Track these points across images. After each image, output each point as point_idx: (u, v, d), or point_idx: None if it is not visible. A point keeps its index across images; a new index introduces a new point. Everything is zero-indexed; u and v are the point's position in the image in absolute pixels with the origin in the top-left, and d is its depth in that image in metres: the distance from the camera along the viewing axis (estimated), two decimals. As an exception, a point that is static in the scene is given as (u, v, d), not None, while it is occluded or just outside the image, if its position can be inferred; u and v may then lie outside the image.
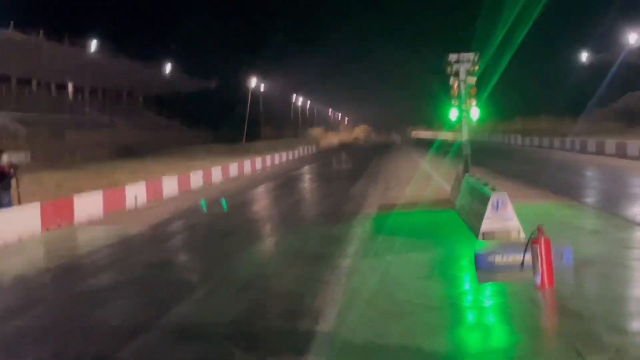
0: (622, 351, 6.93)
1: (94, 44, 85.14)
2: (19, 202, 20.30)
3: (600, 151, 47.57)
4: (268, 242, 16.66)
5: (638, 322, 8.12)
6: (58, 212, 20.85)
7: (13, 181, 20.33)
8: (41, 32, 75.30)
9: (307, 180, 39.13)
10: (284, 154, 64.79)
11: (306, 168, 51.44)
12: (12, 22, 70.28)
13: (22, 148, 54.86)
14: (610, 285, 9.91)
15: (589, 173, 32.82)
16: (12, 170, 20.40)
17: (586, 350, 6.99)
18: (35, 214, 19.72)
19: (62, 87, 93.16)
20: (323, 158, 68.33)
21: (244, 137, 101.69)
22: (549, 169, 35.25)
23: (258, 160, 52.79)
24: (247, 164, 47.84)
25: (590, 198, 22.50)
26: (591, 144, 51.05)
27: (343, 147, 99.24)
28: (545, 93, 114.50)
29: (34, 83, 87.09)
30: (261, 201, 28.19)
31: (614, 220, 16.36)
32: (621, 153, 42.52)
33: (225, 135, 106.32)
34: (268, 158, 57.11)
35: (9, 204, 19.54)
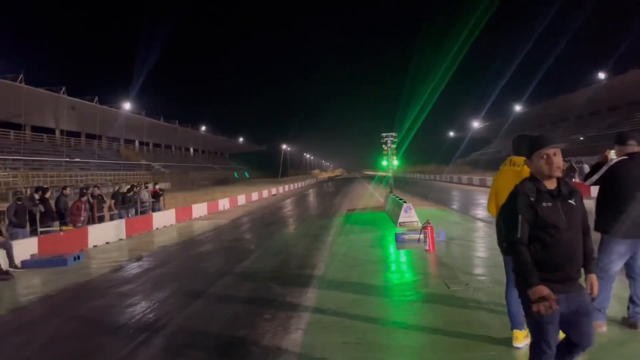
0: (468, 282, 6.87)
1: (203, 127, 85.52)
2: (165, 208, 20.30)
3: (459, 181, 47.71)
4: (291, 228, 16.55)
5: (477, 269, 8.02)
6: (184, 213, 20.78)
7: (161, 198, 20.34)
8: (177, 121, 75.69)
9: (311, 195, 39.13)
10: (300, 183, 64.64)
11: (311, 190, 51.32)
12: (143, 112, 70.43)
13: (167, 180, 54.89)
14: (464, 250, 9.84)
15: (454, 192, 32.71)
16: (161, 191, 20.44)
17: (450, 282, 6.95)
18: (172, 214, 19.67)
19: (187, 149, 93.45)
20: (320, 185, 68.22)
21: (280, 174, 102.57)
22: (433, 190, 35.22)
23: (286, 186, 52.77)
24: (281, 188, 47.83)
25: (454, 205, 22.38)
26: (455, 178, 51.22)
27: (330, 179, 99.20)
28: (431, 151, 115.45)
29: (173, 148, 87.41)
30: (288, 206, 28.07)
31: (466, 217, 16.31)
32: (470, 182, 42.66)
33: (270, 174, 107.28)
34: (292, 185, 57.06)
35: (159, 209, 19.52)
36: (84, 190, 15.23)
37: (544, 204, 2.84)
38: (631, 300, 4.66)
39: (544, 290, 2.69)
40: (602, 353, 4.15)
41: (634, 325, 4.59)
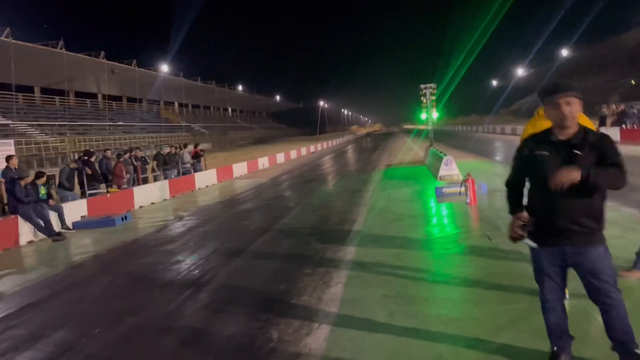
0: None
1: (240, 87, 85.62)
2: (206, 169, 20.67)
3: (502, 132, 46.37)
4: (329, 184, 16.60)
5: (502, 222, 7.83)
6: (225, 173, 21.13)
7: (202, 158, 20.69)
8: (214, 82, 75.94)
9: (349, 151, 38.98)
10: (338, 140, 64.37)
11: (349, 146, 51.11)
12: (199, 78, 70.78)
13: (207, 141, 55.70)
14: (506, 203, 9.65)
15: (496, 144, 31.89)
16: (202, 152, 20.78)
17: (493, 234, 6.84)
18: (213, 174, 20.02)
19: (225, 110, 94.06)
20: (358, 140, 67.81)
21: (318, 132, 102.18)
22: (475, 142, 34.42)
23: (325, 143, 52.71)
24: (319, 145, 47.84)
25: (497, 157, 21.91)
26: (498, 128, 49.79)
27: (368, 135, 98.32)
28: (473, 101, 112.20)
29: (212, 108, 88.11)
30: (326, 163, 28.12)
31: (508, 168, 15.90)
32: (514, 132, 41.43)
33: (308, 131, 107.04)
34: (330, 142, 56.92)
35: (201, 170, 19.89)
36: (122, 152, 15.64)
37: (537, 153, 2.78)
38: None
39: (516, 216, 2.84)
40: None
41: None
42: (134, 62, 53.38)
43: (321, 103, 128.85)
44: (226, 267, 6.70)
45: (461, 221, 8.32)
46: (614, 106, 26.39)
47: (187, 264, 7.08)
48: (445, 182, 12.69)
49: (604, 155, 2.66)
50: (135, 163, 15.78)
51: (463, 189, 9.83)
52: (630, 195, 8.34)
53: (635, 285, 4.38)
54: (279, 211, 11.32)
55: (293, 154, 35.36)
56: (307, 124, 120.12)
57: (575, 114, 2.70)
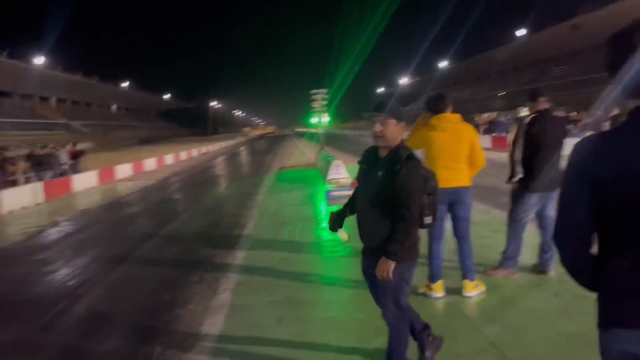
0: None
1: (126, 83, 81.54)
2: (85, 170, 19.37)
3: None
4: (221, 187, 16.34)
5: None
6: (107, 174, 19.92)
7: (82, 159, 19.39)
8: (97, 77, 71.25)
9: (242, 153, 38.65)
10: (230, 141, 63.68)
11: (242, 148, 50.65)
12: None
13: (88, 140, 52.19)
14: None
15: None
16: (81, 152, 19.50)
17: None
18: (94, 175, 18.81)
19: (109, 107, 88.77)
20: (250, 143, 67.47)
21: (209, 133, 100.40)
22: (364, 147, 35.62)
23: (217, 144, 51.79)
24: (210, 146, 46.87)
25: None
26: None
27: (261, 137, 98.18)
28: (363, 107, 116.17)
29: (94, 105, 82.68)
30: (219, 165, 27.63)
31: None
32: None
33: (199, 132, 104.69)
34: (222, 143, 56.05)
35: (80, 171, 18.60)
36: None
37: (360, 166, 3.13)
38: (541, 248, 4.98)
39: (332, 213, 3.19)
40: (515, 297, 4.46)
41: (544, 272, 4.92)
42: (5, 52, 48.54)
43: (213, 103, 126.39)
44: (106, 277, 6.30)
45: (349, 223, 8.55)
46: (485, 116, 28.88)
47: (61, 274, 6.55)
48: (334, 185, 13.02)
49: (398, 181, 2.74)
50: (3, 164, 14.33)
51: (351, 192, 10.14)
52: (498, 198, 9.14)
53: (502, 282, 4.79)
54: (166, 215, 10.89)
55: (183, 155, 34.28)
56: (198, 124, 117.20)
57: (388, 135, 2.83)
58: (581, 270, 1.54)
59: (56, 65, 59.05)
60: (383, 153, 2.90)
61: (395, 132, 2.83)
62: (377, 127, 2.81)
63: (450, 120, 4.31)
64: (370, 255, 2.95)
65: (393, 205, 2.75)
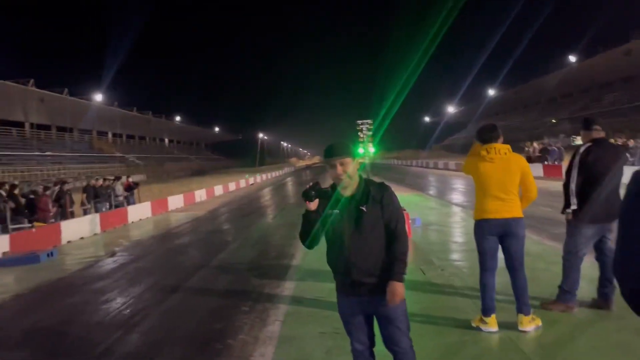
0: (444, 269, 6.97)
1: (178, 118, 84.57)
2: (140, 201, 20.06)
3: (435, 166, 48.19)
4: (269, 218, 16.54)
5: (453, 255, 8.15)
6: (159, 205, 20.57)
7: (136, 190, 20.10)
8: (150, 112, 74.43)
9: (289, 183, 39.10)
10: (277, 172, 64.57)
11: (288, 178, 51.28)
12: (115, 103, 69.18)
13: (142, 172, 54.23)
14: (440, 236, 9.95)
15: (430, 177, 33.07)
16: (135, 184, 20.23)
17: (426, 268, 7.03)
18: (148, 206, 19.45)
19: (162, 140, 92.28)
20: (297, 173, 68.21)
21: (257, 163, 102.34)
22: (409, 176, 35.53)
23: (264, 175, 52.64)
24: (258, 177, 47.69)
25: (430, 190, 22.65)
26: (431, 163, 51.75)
27: (308, 167, 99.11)
28: (407, 136, 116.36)
29: (147, 139, 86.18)
30: (265, 195, 28.05)
31: (441, 202, 16.50)
32: (446, 167, 43.10)
33: (247, 163, 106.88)
34: (269, 174, 56.90)
35: (134, 203, 19.29)
36: (49, 185, 14.93)
37: (328, 212, 2.89)
38: (600, 282, 4.78)
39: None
40: (574, 333, 4.28)
41: (604, 306, 4.71)
42: (66, 90, 51.53)
43: (260, 135, 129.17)
44: (160, 306, 6.47)
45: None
46: (535, 145, 28.17)
47: (117, 303, 6.78)
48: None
49: (385, 209, 2.83)
50: (62, 196, 15.07)
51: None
52: (553, 229, 8.86)
53: (560, 317, 4.62)
54: (216, 246, 11.11)
55: (231, 186, 35.01)
56: (246, 156, 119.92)
57: (351, 173, 2.85)
58: None
59: (112, 101, 62.09)
60: (348, 191, 2.87)
61: (355, 167, 2.88)
62: (339, 169, 2.83)
63: (499, 150, 4.26)
64: (368, 292, 2.84)
65: (388, 231, 2.83)
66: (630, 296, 1.45)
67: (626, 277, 1.46)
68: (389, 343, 2.96)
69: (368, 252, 2.81)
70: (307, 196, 2.79)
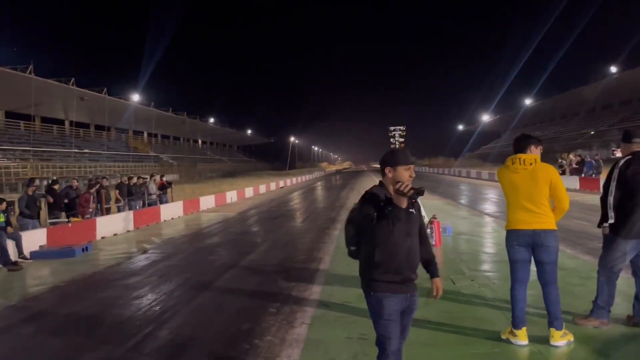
0: (474, 279, 6.88)
1: (211, 119, 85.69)
2: (172, 200, 20.43)
3: (468, 175, 47.53)
4: (298, 221, 16.61)
5: (483, 265, 8.03)
6: (191, 205, 20.92)
7: (169, 190, 20.48)
8: (185, 113, 75.60)
9: (319, 188, 39.20)
10: (308, 175, 64.82)
11: (318, 183, 51.41)
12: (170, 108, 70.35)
13: (175, 172, 55.20)
14: (471, 246, 9.82)
15: (462, 187, 32.64)
16: (168, 183, 20.61)
17: (456, 278, 6.96)
18: (180, 206, 19.81)
19: (195, 141, 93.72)
20: (327, 177, 68.27)
21: (287, 167, 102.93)
22: (441, 184, 35.17)
23: (294, 178, 52.90)
24: (289, 180, 48.00)
25: (462, 200, 22.36)
26: (464, 172, 51.04)
27: (338, 172, 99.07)
28: (441, 144, 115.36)
29: (182, 139, 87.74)
30: (295, 199, 28.18)
31: (473, 212, 16.28)
32: (479, 177, 42.47)
33: (278, 166, 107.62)
34: (300, 177, 57.17)
35: (167, 201, 19.66)
36: (92, 182, 15.36)
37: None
38: (637, 298, 4.65)
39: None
40: (607, 350, 4.18)
41: (639, 324, 4.58)
42: (105, 89, 52.95)
43: (292, 139, 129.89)
44: (189, 304, 6.59)
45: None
46: (572, 157, 27.49)
47: (148, 299, 6.93)
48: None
49: (419, 213, 3.17)
50: (101, 192, 15.49)
51: (429, 230, 9.99)
52: (588, 243, 8.65)
53: (593, 333, 4.51)
54: (245, 247, 11.24)
55: (262, 188, 35.34)
56: (277, 159, 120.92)
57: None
58: None
59: (149, 101, 63.41)
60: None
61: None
62: (412, 174, 3.08)
63: (524, 161, 4.21)
64: (412, 288, 3.07)
65: (420, 232, 3.16)
66: None
67: None
68: (403, 336, 3.17)
69: (415, 251, 3.06)
70: (419, 193, 2.83)
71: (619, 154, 4.76)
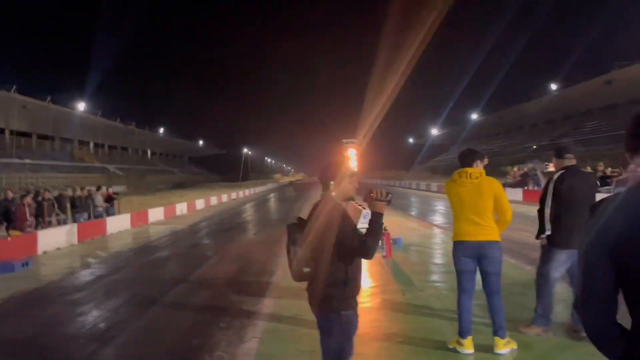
0: (423, 289, 7.03)
1: (161, 130, 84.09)
2: (119, 213, 19.84)
3: (418, 187, 48.62)
4: (250, 233, 16.48)
5: (432, 276, 8.21)
6: (139, 217, 20.37)
7: (116, 202, 19.91)
8: (134, 123, 73.85)
9: (272, 200, 39.06)
10: (261, 187, 64.43)
11: (272, 194, 51.20)
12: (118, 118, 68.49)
13: (123, 183, 53.69)
14: (421, 257, 10.03)
15: (412, 199, 33.31)
16: (115, 195, 20.05)
17: (406, 289, 7.08)
18: (127, 218, 19.25)
19: (144, 152, 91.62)
20: (281, 189, 68.11)
21: (240, 178, 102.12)
22: (393, 196, 35.68)
23: (247, 190, 52.48)
24: (241, 192, 47.55)
25: (412, 211, 22.81)
26: (414, 184, 52.16)
27: (291, 183, 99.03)
28: (392, 157, 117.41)
29: (130, 150, 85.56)
30: (248, 211, 27.96)
31: (423, 223, 16.64)
32: (428, 189, 43.53)
33: (231, 178, 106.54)
34: (252, 189, 56.75)
35: (114, 214, 19.08)
36: (25, 194, 14.73)
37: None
38: (574, 306, 4.87)
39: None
40: (549, 356, 4.36)
41: (578, 331, 4.80)
42: (49, 98, 50.98)
43: (245, 150, 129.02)
44: (136, 320, 6.40)
45: (376, 275, 8.52)
46: (515, 170, 28.62)
47: (93, 316, 6.69)
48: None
49: None
50: (43, 204, 14.86)
51: (380, 242, 10.12)
52: (531, 254, 8.99)
53: (535, 340, 4.69)
54: (195, 260, 11.04)
55: (213, 200, 34.83)
56: (230, 171, 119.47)
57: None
58: (603, 341, 1.39)
59: (96, 111, 61.43)
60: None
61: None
62: (356, 183, 3.24)
63: (471, 174, 4.37)
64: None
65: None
66: (591, 338, 1.43)
67: (584, 313, 1.43)
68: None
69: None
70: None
71: (551, 169, 5.01)
